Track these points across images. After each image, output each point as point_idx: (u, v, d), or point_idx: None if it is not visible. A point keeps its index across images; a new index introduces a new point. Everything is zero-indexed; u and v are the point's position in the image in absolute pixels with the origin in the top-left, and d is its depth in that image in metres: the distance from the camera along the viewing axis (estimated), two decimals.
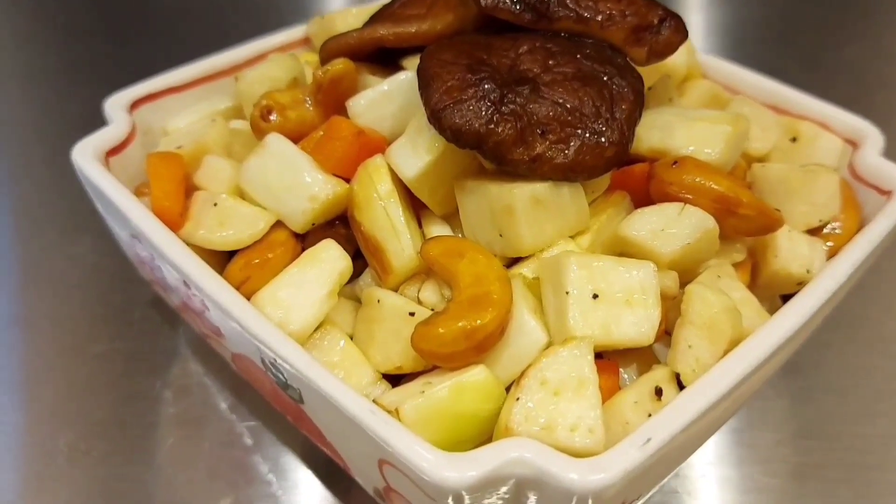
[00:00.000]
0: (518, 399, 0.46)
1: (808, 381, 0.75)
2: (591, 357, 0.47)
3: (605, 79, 0.56)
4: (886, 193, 0.64)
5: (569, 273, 0.50)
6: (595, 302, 0.50)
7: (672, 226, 0.54)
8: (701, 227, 0.54)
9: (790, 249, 0.59)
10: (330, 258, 0.54)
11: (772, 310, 0.59)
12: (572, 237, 0.56)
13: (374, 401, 0.50)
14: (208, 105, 0.71)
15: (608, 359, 0.53)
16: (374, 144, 0.57)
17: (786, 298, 0.59)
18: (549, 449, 0.43)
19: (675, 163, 0.56)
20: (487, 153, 0.53)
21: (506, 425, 0.45)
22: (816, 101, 0.72)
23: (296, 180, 0.57)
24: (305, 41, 0.80)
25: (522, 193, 0.53)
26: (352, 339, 0.55)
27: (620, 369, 0.54)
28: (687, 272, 0.55)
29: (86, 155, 0.62)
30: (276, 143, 0.58)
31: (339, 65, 0.59)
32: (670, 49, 0.60)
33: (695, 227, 0.54)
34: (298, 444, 0.67)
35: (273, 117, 0.59)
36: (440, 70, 0.54)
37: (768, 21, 1.31)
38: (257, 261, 0.56)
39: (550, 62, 0.56)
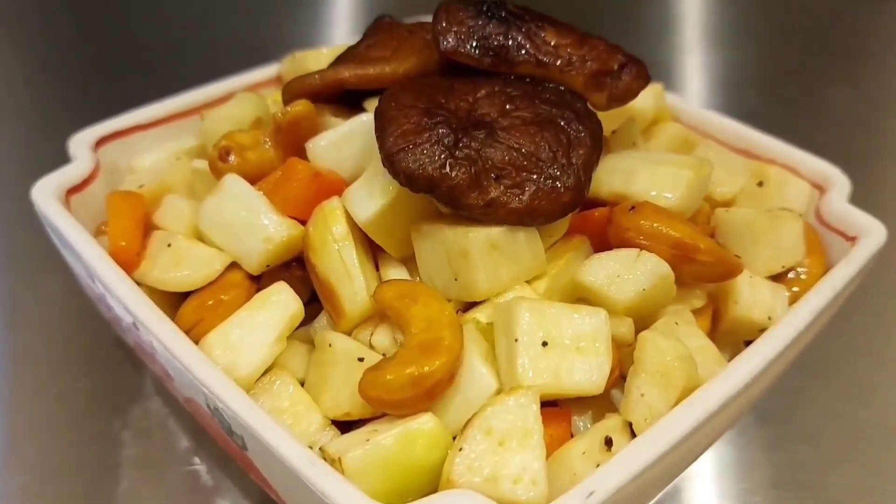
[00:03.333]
0: (461, 449, 0.45)
1: (781, 429, 0.74)
2: (536, 407, 0.46)
3: (562, 124, 0.56)
4: (851, 239, 0.64)
5: (519, 320, 0.49)
6: (545, 349, 0.49)
7: (628, 272, 0.53)
8: (656, 273, 0.53)
9: (751, 296, 0.59)
10: (281, 301, 0.53)
11: (734, 357, 0.59)
12: (528, 282, 0.55)
13: (320, 448, 0.50)
14: (175, 143, 0.71)
15: (562, 407, 0.52)
16: (331, 186, 0.57)
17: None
18: (491, 502, 0.42)
19: (633, 208, 0.56)
20: (441, 197, 0.52)
21: (448, 476, 0.44)
22: (785, 146, 0.72)
23: (251, 221, 0.56)
24: (278, 80, 0.80)
25: (477, 238, 0.52)
26: (303, 384, 0.54)
27: (575, 417, 0.53)
28: (644, 319, 0.55)
29: (45, 193, 0.62)
30: (233, 183, 0.58)
31: (299, 106, 0.59)
32: (630, 95, 0.60)
33: (650, 273, 0.53)
34: (257, 488, 0.66)
35: (231, 158, 0.59)
36: (397, 113, 0.54)
37: (752, 65, 1.32)
38: (211, 302, 0.56)
39: (508, 106, 0.56)
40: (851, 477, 0.70)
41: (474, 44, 0.58)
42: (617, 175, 0.60)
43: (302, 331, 0.58)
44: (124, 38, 1.31)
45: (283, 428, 0.45)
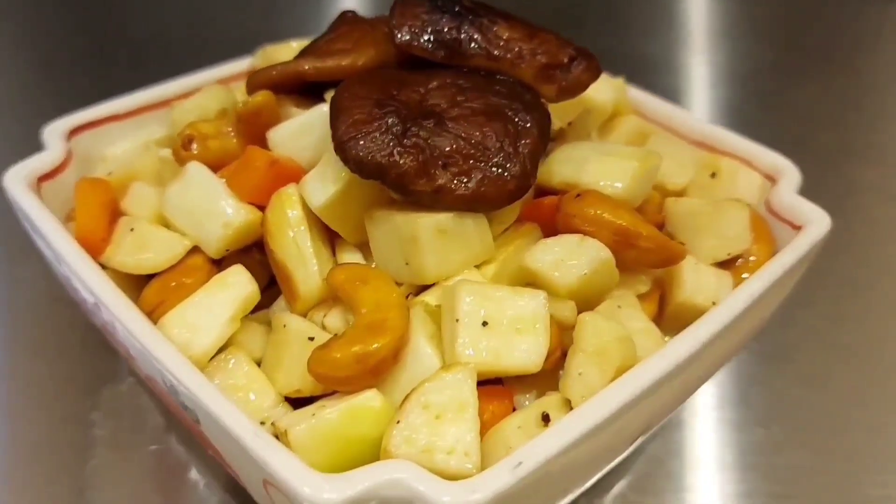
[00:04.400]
0: (398, 422, 0.47)
1: (735, 413, 0.77)
2: (472, 382, 0.48)
3: (510, 114, 0.58)
4: (797, 228, 0.66)
5: (461, 301, 0.51)
6: (485, 329, 0.51)
7: (571, 257, 0.55)
8: (597, 258, 0.55)
9: (695, 281, 0.61)
10: (237, 283, 0.56)
11: None
12: (478, 267, 0.57)
13: (272, 423, 0.52)
14: (146, 133, 0.73)
15: (506, 385, 0.54)
16: (289, 174, 0.59)
17: None
18: (424, 471, 0.44)
19: (579, 195, 0.58)
20: (390, 184, 0.54)
21: (386, 448, 0.47)
22: (740, 139, 0.73)
23: (211, 207, 0.58)
24: (249, 73, 0.82)
25: (426, 223, 0.54)
26: (260, 364, 0.56)
27: (519, 396, 0.55)
28: (587, 302, 0.57)
29: (15, 180, 0.64)
30: (195, 170, 0.60)
31: (259, 97, 0.61)
32: (580, 87, 0.62)
33: (592, 258, 0.55)
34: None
35: (194, 146, 0.61)
36: (350, 104, 0.56)
37: (730, 63, 1.34)
38: (173, 284, 0.58)
39: (459, 98, 0.58)
40: (801, 459, 0.72)
41: (428, 37, 0.60)
42: (568, 165, 0.62)
43: (262, 314, 0.60)
44: (111, 31, 1.33)
45: (228, 402, 0.47)
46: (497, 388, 0.53)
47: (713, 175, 0.72)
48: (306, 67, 0.62)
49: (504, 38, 0.61)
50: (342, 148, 0.54)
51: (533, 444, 0.45)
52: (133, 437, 0.70)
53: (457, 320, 0.51)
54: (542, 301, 0.53)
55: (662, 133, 0.77)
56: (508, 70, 0.61)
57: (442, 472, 0.45)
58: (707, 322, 0.55)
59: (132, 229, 0.59)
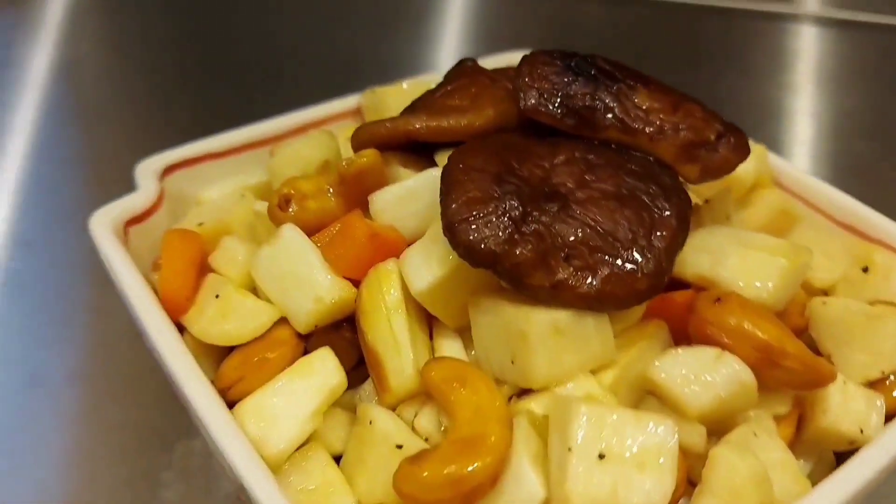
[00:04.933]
0: None
1: None
2: None
3: (646, 200, 0.51)
4: None
5: (576, 425, 0.44)
6: (601, 462, 0.44)
7: (705, 374, 0.48)
8: (737, 379, 0.47)
9: (842, 404, 0.52)
10: (323, 370, 0.50)
11: (820, 467, 0.53)
12: (594, 372, 0.50)
13: None
14: (244, 177, 0.69)
15: None
16: (390, 246, 0.53)
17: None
18: None
19: (719, 300, 0.50)
20: (504, 275, 0.48)
21: None
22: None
23: (304, 277, 0.53)
24: (357, 112, 0.77)
25: (540, 320, 0.48)
26: (340, 459, 0.51)
27: None
28: (718, 424, 0.49)
29: (102, 223, 0.60)
30: (290, 235, 0.55)
31: (364, 158, 0.55)
32: (726, 168, 0.54)
33: (730, 378, 0.47)
34: None
35: (291, 208, 0.56)
36: (464, 177, 0.50)
37: (865, 113, 1.22)
38: (256, 359, 0.53)
39: (588, 176, 0.51)
40: None
41: (557, 103, 0.53)
42: (704, 255, 0.54)
43: (347, 395, 0.54)
44: (215, 56, 1.30)
45: None
46: None
47: (865, 269, 0.63)
48: (417, 126, 0.56)
49: (644, 108, 0.54)
50: (452, 230, 0.48)
51: None
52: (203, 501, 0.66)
53: (569, 449, 0.44)
54: (671, 431, 0.45)
55: (806, 212, 0.68)
56: (646, 146, 0.53)
57: None
58: (861, 465, 0.47)
59: (217, 296, 0.55)
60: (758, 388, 0.50)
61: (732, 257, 0.53)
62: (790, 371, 0.49)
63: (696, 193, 0.62)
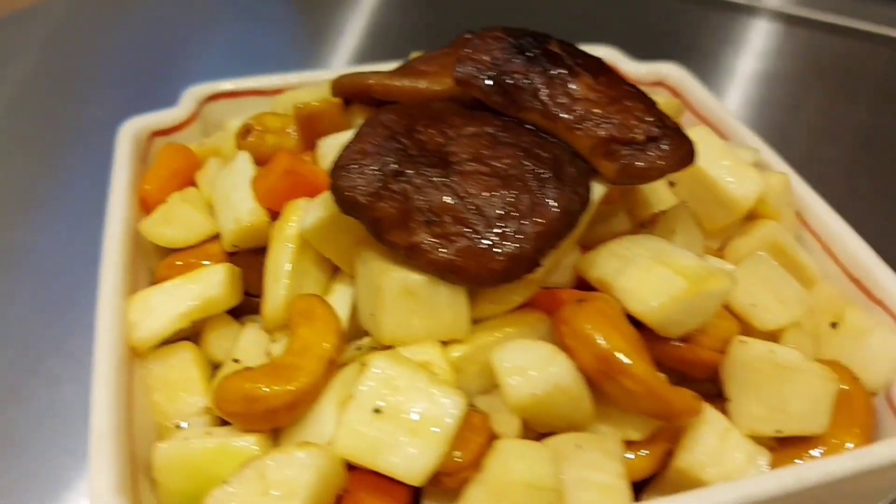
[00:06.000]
0: (227, 483, 0.43)
1: None
2: (318, 470, 0.42)
3: (533, 185, 0.49)
4: None
5: (366, 376, 0.45)
6: (376, 416, 0.44)
7: (535, 369, 0.46)
8: (557, 381, 0.45)
9: (713, 451, 0.48)
10: (208, 281, 0.54)
11: None
12: (446, 344, 0.50)
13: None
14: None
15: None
16: (308, 185, 0.56)
17: None
18: None
19: (582, 300, 0.48)
20: (368, 227, 0.49)
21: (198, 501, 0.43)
22: None
23: (232, 200, 0.58)
24: None
25: (394, 278, 0.49)
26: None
27: (429, 501, 0.47)
28: (543, 424, 0.47)
29: (129, 130, 0.69)
30: (240, 162, 0.60)
31: (317, 103, 0.59)
32: (650, 174, 0.51)
33: (552, 379, 0.46)
34: None
35: (249, 137, 0.60)
36: (368, 130, 0.52)
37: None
38: (180, 263, 0.58)
39: (486, 152, 0.51)
40: None
41: (490, 78, 0.53)
42: (614, 260, 0.52)
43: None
44: None
45: (115, 408, 0.47)
46: (389, 484, 0.46)
47: (834, 325, 0.56)
48: (371, 83, 0.58)
49: (576, 96, 0.52)
50: (333, 174, 0.50)
51: None
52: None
53: (352, 396, 0.45)
54: (456, 406, 0.44)
55: (816, 253, 0.62)
56: (563, 134, 0.51)
57: None
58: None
59: (167, 202, 0.61)
60: (612, 405, 0.48)
61: (637, 268, 0.50)
62: (629, 392, 0.46)
63: (650, 206, 0.59)
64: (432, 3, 1.38)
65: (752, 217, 0.62)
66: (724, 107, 0.75)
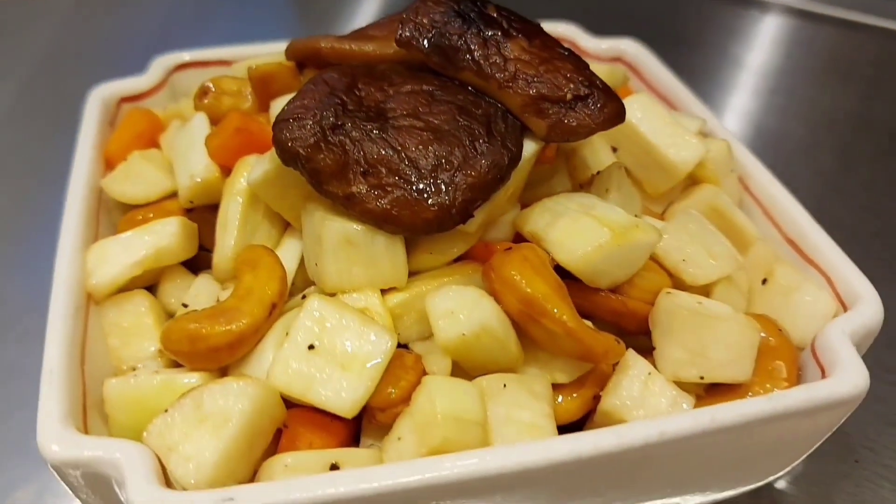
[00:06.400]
0: (167, 411, 0.45)
1: None
2: (252, 400, 0.45)
3: (465, 140, 0.52)
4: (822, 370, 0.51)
5: (303, 315, 0.48)
6: (310, 353, 0.47)
7: (463, 311, 0.48)
8: (482, 322, 0.48)
9: (636, 394, 0.50)
10: (161, 233, 0.57)
11: None
12: (385, 292, 0.52)
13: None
14: None
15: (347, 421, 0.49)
16: (258, 142, 0.58)
17: None
18: (146, 466, 0.42)
19: (509, 249, 0.50)
20: (307, 178, 0.52)
21: (146, 429, 0.45)
22: (837, 253, 0.58)
23: (188, 158, 0.60)
24: None
25: (334, 228, 0.51)
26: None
27: (366, 437, 0.50)
28: (478, 368, 0.50)
29: (98, 96, 0.71)
30: (196, 121, 0.62)
31: (266, 66, 0.61)
32: (578, 132, 0.53)
33: (478, 320, 0.48)
34: None
35: (206, 99, 0.63)
36: (311, 87, 0.54)
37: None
38: (139, 217, 0.61)
39: (422, 108, 0.53)
40: None
41: (429, 38, 0.55)
42: (547, 215, 0.54)
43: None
44: None
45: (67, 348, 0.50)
46: (326, 419, 0.48)
47: (764, 282, 0.58)
48: (322, 45, 0.61)
49: (509, 57, 0.54)
50: (275, 127, 0.52)
51: (255, 487, 0.41)
52: None
53: (287, 334, 0.47)
54: (385, 343, 0.47)
55: (757, 217, 0.64)
56: (495, 93, 0.54)
57: (171, 472, 0.43)
58: (614, 432, 0.45)
59: (128, 160, 0.63)
60: (541, 350, 0.50)
61: (565, 220, 0.53)
62: (551, 333, 0.48)
63: (588, 167, 0.61)
64: None
65: (694, 182, 0.65)
66: (677, 81, 0.77)
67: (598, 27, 0.87)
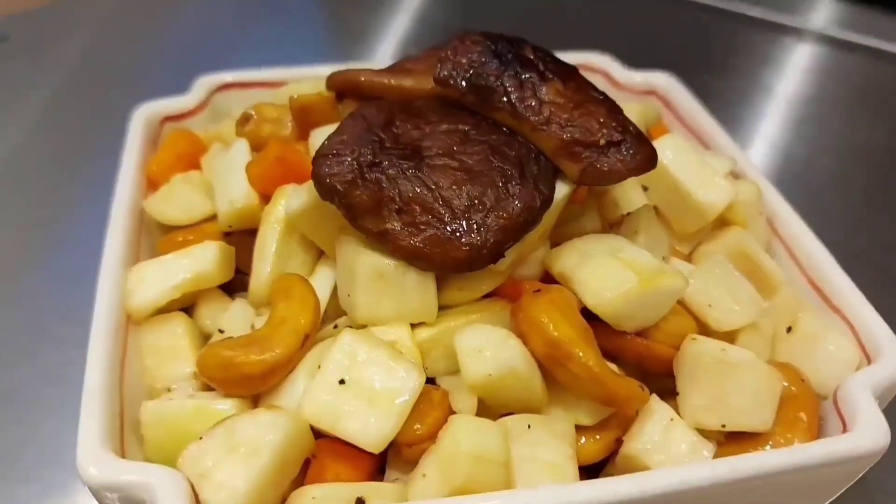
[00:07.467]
0: (201, 438, 0.47)
1: None
2: (283, 432, 0.46)
3: (499, 182, 0.53)
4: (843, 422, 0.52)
5: (335, 349, 0.49)
6: (340, 387, 0.48)
7: (490, 350, 0.50)
8: (508, 363, 0.49)
9: (657, 439, 0.51)
10: (200, 257, 0.58)
11: None
12: (414, 326, 0.54)
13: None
14: None
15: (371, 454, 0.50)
16: (300, 173, 0.60)
17: None
18: (182, 492, 0.44)
19: (538, 291, 0.52)
20: (342, 213, 0.53)
21: (181, 455, 0.47)
22: (864, 305, 0.58)
23: (229, 183, 0.62)
24: None
25: (367, 262, 0.52)
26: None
27: (392, 470, 0.51)
28: (498, 404, 0.51)
29: (142, 114, 0.73)
30: (237, 148, 0.64)
31: (307, 98, 0.63)
32: (610, 177, 0.54)
33: (504, 361, 0.49)
34: None
35: (247, 126, 0.65)
36: (350, 122, 0.56)
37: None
38: (179, 239, 0.63)
39: (457, 147, 0.55)
40: None
41: (466, 78, 0.57)
42: (574, 256, 0.55)
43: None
44: None
45: (106, 364, 0.51)
46: (353, 452, 0.49)
47: (789, 329, 0.58)
48: (361, 79, 0.62)
49: (544, 100, 0.55)
50: (315, 161, 0.54)
51: None
52: None
53: (319, 367, 0.49)
54: (415, 380, 0.48)
55: (783, 260, 0.65)
56: (529, 134, 0.55)
57: (203, 500, 0.45)
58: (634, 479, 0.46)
59: (169, 182, 0.65)
60: (566, 391, 0.51)
61: (594, 264, 0.54)
62: (576, 377, 0.49)
63: (617, 208, 0.62)
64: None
65: (723, 223, 0.65)
66: (709, 117, 0.78)
67: (631, 55, 0.88)
